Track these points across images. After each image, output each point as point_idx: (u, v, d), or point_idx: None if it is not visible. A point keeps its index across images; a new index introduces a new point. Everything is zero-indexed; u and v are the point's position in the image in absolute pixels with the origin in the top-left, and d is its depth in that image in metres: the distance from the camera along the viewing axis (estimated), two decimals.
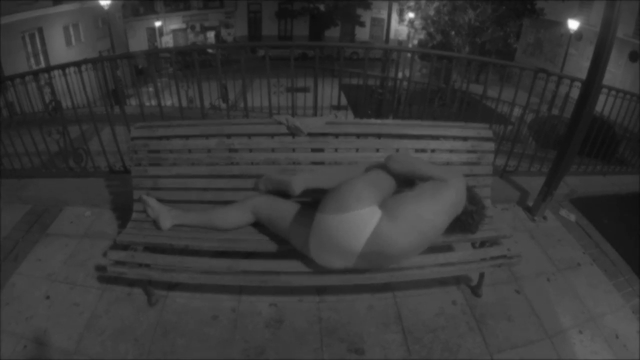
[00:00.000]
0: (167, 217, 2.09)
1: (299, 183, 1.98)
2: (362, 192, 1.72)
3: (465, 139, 2.32)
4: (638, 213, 3.24)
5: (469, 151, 2.32)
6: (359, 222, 1.67)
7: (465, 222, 1.89)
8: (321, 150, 2.27)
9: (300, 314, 2.17)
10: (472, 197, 1.91)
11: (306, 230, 1.81)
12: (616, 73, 13.94)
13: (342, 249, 1.73)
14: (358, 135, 2.24)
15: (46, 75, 3.17)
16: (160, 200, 2.20)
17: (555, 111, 4.29)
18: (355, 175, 1.88)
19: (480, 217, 1.93)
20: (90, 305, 2.17)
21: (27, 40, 14.77)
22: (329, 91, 5.22)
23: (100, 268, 2.37)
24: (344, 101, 6.42)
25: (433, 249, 2.07)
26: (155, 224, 2.11)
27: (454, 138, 2.32)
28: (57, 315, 2.11)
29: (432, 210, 1.74)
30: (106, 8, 14.58)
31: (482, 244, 2.23)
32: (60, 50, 16.02)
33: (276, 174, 2.14)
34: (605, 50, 2.50)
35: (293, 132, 2.18)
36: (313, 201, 1.97)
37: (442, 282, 2.36)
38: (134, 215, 2.21)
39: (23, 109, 3.66)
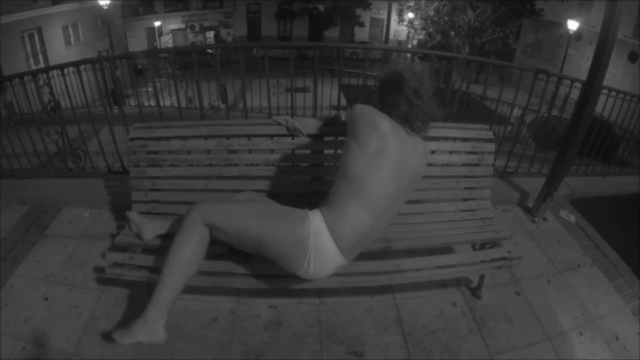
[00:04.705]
0: (149, 229, 2.02)
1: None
2: (293, 228, 1.59)
3: (465, 140, 2.31)
4: (638, 214, 3.24)
5: (469, 152, 2.31)
6: (320, 248, 1.58)
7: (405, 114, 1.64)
8: (321, 151, 2.26)
9: (299, 316, 2.16)
10: (416, 90, 1.64)
11: None
12: (615, 74, 13.95)
13: (328, 272, 1.69)
14: None
15: (45, 76, 3.17)
16: (159, 203, 2.20)
17: (555, 112, 4.29)
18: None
19: (427, 111, 1.66)
20: (89, 306, 2.16)
21: (26, 40, 14.80)
22: (329, 91, 5.22)
23: (98, 269, 2.36)
24: (343, 101, 6.41)
25: (433, 251, 2.07)
26: (139, 237, 2.04)
27: (454, 139, 2.31)
28: (56, 317, 2.10)
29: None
30: (105, 8, 14.58)
31: (482, 245, 2.22)
32: (60, 50, 16.05)
33: None
34: (605, 51, 2.49)
35: (292, 133, 2.17)
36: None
37: (442, 284, 2.36)
38: None
39: (22, 109, 3.66)
